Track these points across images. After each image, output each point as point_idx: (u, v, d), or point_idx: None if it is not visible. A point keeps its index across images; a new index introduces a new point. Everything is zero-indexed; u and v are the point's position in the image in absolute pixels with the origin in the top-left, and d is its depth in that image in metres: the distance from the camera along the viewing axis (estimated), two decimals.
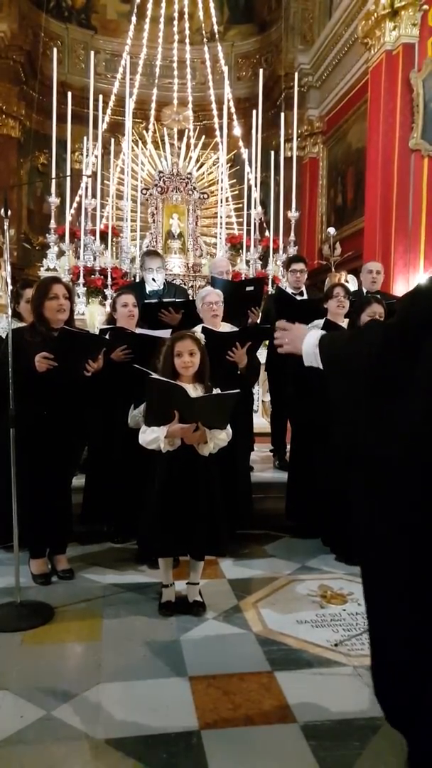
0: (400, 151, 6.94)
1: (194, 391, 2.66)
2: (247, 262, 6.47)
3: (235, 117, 7.80)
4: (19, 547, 2.69)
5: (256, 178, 7.06)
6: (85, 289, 5.81)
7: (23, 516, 2.71)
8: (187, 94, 8.48)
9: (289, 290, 4.65)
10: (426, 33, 6.91)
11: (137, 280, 5.65)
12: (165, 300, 4.11)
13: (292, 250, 6.53)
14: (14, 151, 10.53)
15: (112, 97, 7.85)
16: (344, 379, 1.60)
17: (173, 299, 4.17)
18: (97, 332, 3.60)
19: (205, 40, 9.19)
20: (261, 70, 7.61)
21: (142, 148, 7.37)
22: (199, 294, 3.83)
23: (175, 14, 8.33)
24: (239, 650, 2.40)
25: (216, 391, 2.72)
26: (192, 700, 2.05)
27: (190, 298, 4.90)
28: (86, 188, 6.27)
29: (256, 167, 6.90)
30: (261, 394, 5.65)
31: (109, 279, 5.83)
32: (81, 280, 5.81)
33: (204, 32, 9.10)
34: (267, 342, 4.55)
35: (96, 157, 6.70)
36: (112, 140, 6.97)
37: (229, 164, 7.43)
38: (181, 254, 6.79)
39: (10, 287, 3.32)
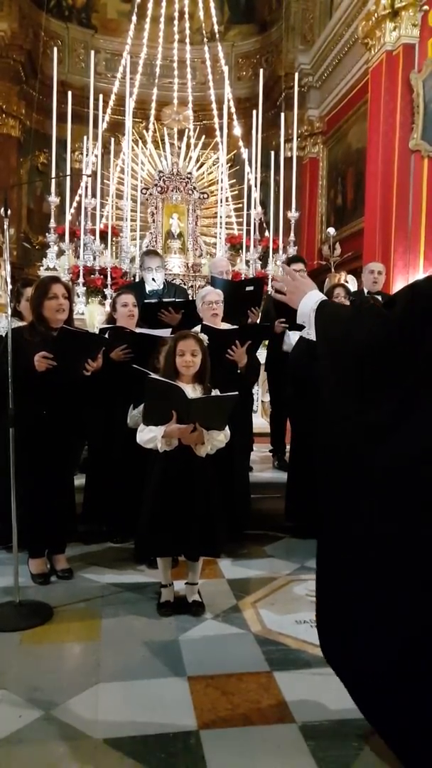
0: (400, 151, 6.94)
1: (193, 391, 2.66)
2: (247, 262, 6.47)
3: (235, 117, 7.81)
4: (18, 547, 2.69)
5: (256, 178, 7.06)
6: (85, 288, 5.81)
7: (23, 516, 2.71)
8: (188, 93, 8.49)
9: None
10: (426, 33, 6.91)
11: (137, 279, 5.65)
12: (165, 300, 4.11)
13: (292, 251, 6.54)
14: (14, 151, 10.52)
15: (113, 97, 7.85)
16: (336, 362, 1.58)
17: (173, 299, 4.17)
18: (96, 332, 3.60)
19: (205, 39, 9.19)
20: (261, 70, 7.61)
21: (142, 148, 7.36)
22: (199, 293, 3.83)
23: (176, 14, 8.33)
24: (238, 650, 2.40)
25: (215, 392, 2.72)
26: (190, 700, 2.05)
27: (190, 298, 4.90)
28: (86, 188, 6.26)
29: (256, 167, 6.90)
30: (260, 394, 5.65)
31: (109, 279, 5.83)
32: (81, 280, 5.81)
33: (204, 32, 9.10)
34: (267, 342, 4.55)
35: (96, 156, 6.69)
36: (112, 140, 6.97)
37: (229, 164, 7.43)
38: (181, 254, 6.79)
39: (9, 287, 3.32)
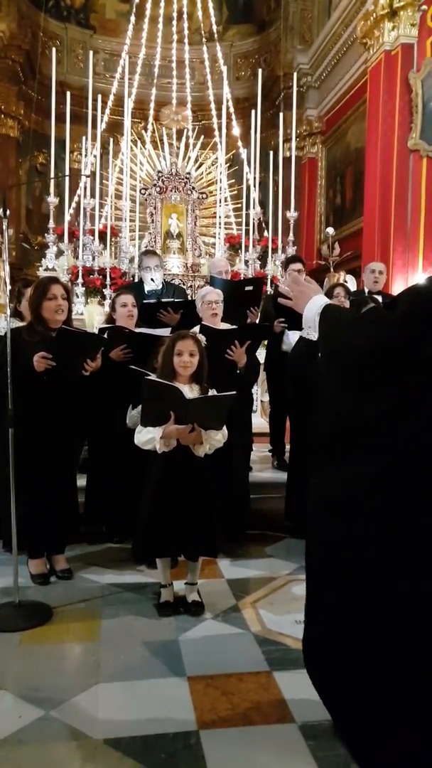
0: (398, 151, 6.95)
1: (190, 391, 2.66)
2: (246, 262, 6.47)
3: (233, 117, 7.80)
4: (18, 548, 2.69)
5: (254, 178, 7.06)
6: (84, 289, 5.81)
7: (22, 516, 2.71)
8: (186, 93, 8.48)
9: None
10: (425, 33, 6.91)
11: (136, 280, 5.65)
12: (164, 300, 4.11)
13: (291, 250, 6.54)
14: (13, 151, 10.52)
15: (111, 97, 7.85)
16: (337, 364, 1.59)
17: (172, 299, 4.17)
18: (96, 332, 3.60)
19: (204, 39, 9.17)
20: (260, 70, 7.60)
21: (140, 148, 7.36)
22: (198, 293, 3.83)
23: (174, 14, 8.32)
24: (238, 650, 2.40)
25: (212, 391, 2.72)
26: (190, 700, 2.05)
27: (189, 298, 4.90)
28: (85, 188, 6.26)
29: (254, 167, 6.89)
30: (260, 393, 5.65)
31: (108, 279, 5.83)
32: (80, 280, 5.81)
33: (203, 32, 9.08)
34: (266, 342, 4.55)
35: (95, 156, 6.69)
36: (111, 140, 6.97)
37: (227, 164, 7.43)
38: (180, 254, 6.79)
39: (8, 287, 3.33)
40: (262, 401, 5.75)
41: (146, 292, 4.50)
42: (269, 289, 5.85)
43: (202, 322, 3.47)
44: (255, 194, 7.01)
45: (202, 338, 2.80)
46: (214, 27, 9.46)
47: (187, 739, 1.85)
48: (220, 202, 6.84)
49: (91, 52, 7.09)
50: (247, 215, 6.84)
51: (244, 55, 12.15)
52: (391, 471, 1.41)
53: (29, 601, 2.74)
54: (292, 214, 6.58)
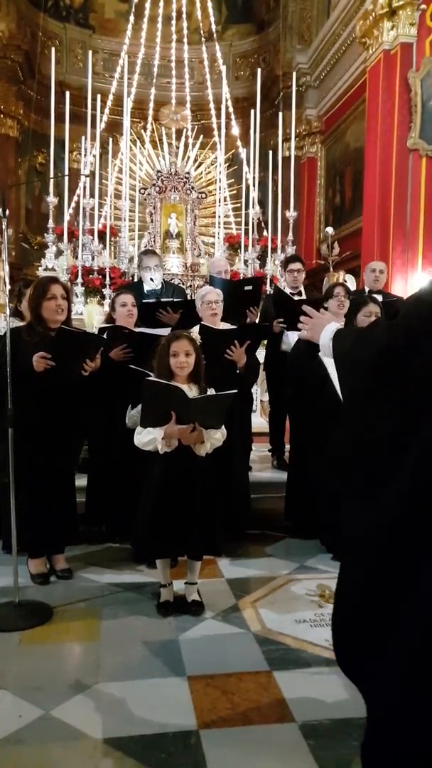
0: (398, 150, 6.94)
1: (190, 391, 2.66)
2: (246, 261, 6.47)
3: (233, 116, 7.79)
4: (18, 548, 2.69)
5: (254, 177, 7.06)
6: (84, 288, 5.81)
7: (22, 516, 2.71)
8: (185, 93, 8.47)
9: (287, 290, 4.65)
10: (424, 32, 6.91)
11: (135, 280, 5.65)
12: (163, 300, 4.11)
13: (291, 250, 6.53)
14: (12, 151, 10.51)
15: (110, 97, 7.83)
16: (351, 378, 1.59)
17: (171, 299, 4.17)
18: (95, 332, 3.60)
19: (203, 39, 9.16)
20: (259, 70, 7.58)
21: (140, 148, 7.36)
22: (198, 293, 3.83)
23: (173, 14, 8.31)
24: (237, 650, 2.40)
25: (210, 390, 2.72)
26: (190, 699, 2.05)
27: (188, 297, 4.90)
28: (84, 188, 6.25)
29: (254, 167, 6.89)
30: (259, 393, 5.65)
31: (108, 279, 5.83)
32: (79, 280, 5.81)
33: (202, 32, 9.07)
34: (266, 341, 4.56)
35: (94, 156, 6.68)
36: (110, 140, 6.97)
37: (227, 164, 7.43)
38: (180, 254, 6.78)
39: (8, 287, 3.33)
40: (261, 401, 5.75)
41: (146, 291, 4.50)
42: (269, 289, 5.84)
43: (202, 322, 3.47)
44: (254, 194, 7.01)
45: (196, 337, 2.80)
46: (213, 27, 9.44)
47: (187, 739, 1.85)
48: (220, 201, 6.84)
49: (90, 52, 7.07)
50: (247, 215, 6.84)
51: (243, 54, 12.13)
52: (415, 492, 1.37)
53: (29, 601, 2.74)
54: (291, 214, 6.58)
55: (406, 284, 6.78)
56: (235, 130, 7.82)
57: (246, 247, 6.49)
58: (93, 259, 6.07)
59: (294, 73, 8.40)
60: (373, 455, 1.45)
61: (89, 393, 3.11)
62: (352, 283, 6.15)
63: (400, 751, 1.34)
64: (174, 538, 2.67)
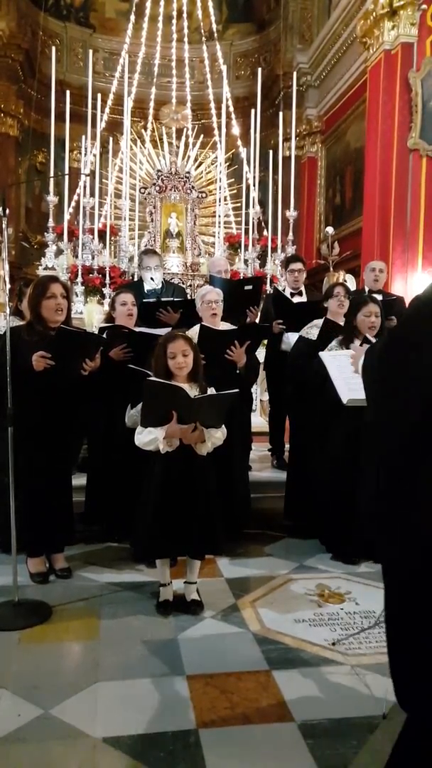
0: (398, 150, 6.94)
1: (191, 390, 2.66)
2: (246, 261, 6.47)
3: (233, 116, 7.78)
4: (17, 547, 2.69)
5: (254, 177, 7.06)
6: (83, 288, 5.81)
7: (21, 515, 2.71)
8: (186, 93, 8.46)
9: (288, 290, 4.65)
10: (425, 32, 6.90)
11: (135, 279, 5.65)
12: (163, 299, 4.11)
13: (291, 250, 6.53)
14: (12, 150, 10.50)
15: (111, 96, 7.82)
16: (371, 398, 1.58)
17: (172, 299, 4.17)
18: (95, 331, 3.60)
19: (203, 38, 9.16)
20: (259, 69, 7.59)
21: (140, 147, 7.35)
22: (198, 292, 3.83)
23: (174, 13, 8.31)
24: (237, 649, 2.40)
25: (210, 389, 2.72)
26: (190, 698, 2.05)
27: (189, 297, 4.90)
28: (84, 187, 6.25)
29: (254, 166, 6.89)
30: (259, 393, 5.66)
31: (107, 278, 5.83)
32: (79, 279, 5.81)
33: (203, 31, 9.06)
34: (266, 341, 4.56)
35: (94, 155, 6.68)
36: (111, 139, 6.96)
37: (227, 163, 7.42)
38: (180, 253, 6.78)
39: (8, 286, 3.32)
40: (261, 400, 5.75)
41: (146, 291, 4.50)
42: (269, 289, 5.84)
43: (202, 323, 3.47)
44: (254, 193, 7.00)
45: (193, 334, 2.80)
46: (214, 26, 9.44)
47: (186, 738, 1.85)
48: (220, 201, 6.84)
49: (90, 51, 7.07)
50: (247, 214, 6.84)
51: (243, 54, 12.13)
52: None
53: (28, 600, 2.74)
54: (291, 214, 6.58)
55: (406, 284, 6.78)
56: (236, 130, 7.81)
57: (246, 246, 6.49)
58: (93, 258, 6.07)
59: (294, 73, 8.39)
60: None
61: (89, 392, 3.11)
62: (352, 283, 6.15)
63: None
64: (174, 537, 2.67)
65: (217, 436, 2.69)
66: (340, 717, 1.96)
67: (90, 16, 11.94)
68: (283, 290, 4.67)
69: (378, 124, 7.10)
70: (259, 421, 5.36)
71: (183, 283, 6.19)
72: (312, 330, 3.77)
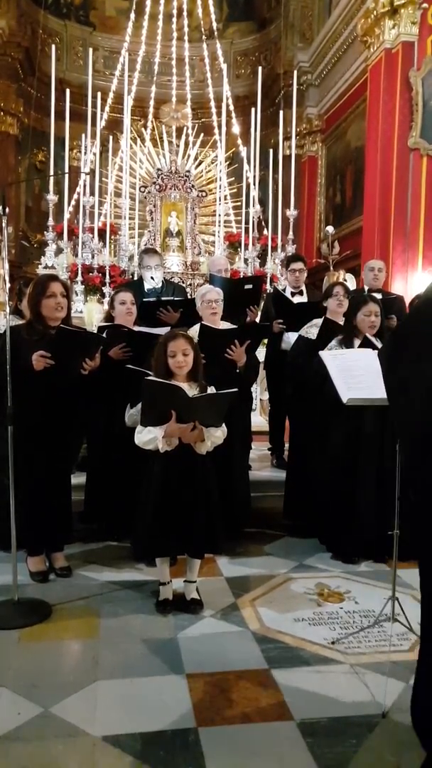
0: (399, 149, 6.94)
1: (190, 389, 2.66)
2: (246, 260, 6.47)
3: (233, 115, 7.78)
4: (17, 545, 2.69)
5: (254, 176, 7.05)
6: (83, 286, 5.81)
7: (21, 514, 2.71)
8: (186, 91, 8.45)
9: (289, 290, 4.65)
10: (425, 31, 6.90)
11: (135, 278, 5.64)
12: (164, 299, 4.11)
13: (291, 249, 6.53)
14: (12, 149, 10.49)
15: (111, 95, 7.81)
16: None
17: (172, 298, 4.17)
18: (95, 330, 3.60)
19: (204, 37, 9.15)
20: (260, 68, 7.58)
21: (140, 146, 7.35)
22: (198, 292, 3.83)
23: (174, 11, 8.30)
24: (236, 648, 2.40)
25: (210, 389, 2.72)
26: (189, 697, 2.05)
27: (189, 296, 4.90)
28: (84, 186, 6.25)
29: (254, 165, 6.89)
30: (259, 392, 5.66)
31: (107, 277, 5.83)
32: (79, 278, 5.81)
33: (203, 29, 9.06)
34: (266, 340, 4.56)
35: (94, 154, 6.67)
36: (111, 138, 6.95)
37: (227, 162, 7.41)
38: (180, 252, 6.78)
39: (8, 285, 3.32)
40: (261, 400, 5.75)
41: (146, 290, 4.50)
42: (269, 288, 5.84)
43: (202, 322, 3.47)
44: (255, 192, 7.00)
45: (194, 334, 2.80)
46: (214, 24, 9.43)
47: (186, 737, 1.85)
48: (220, 200, 6.83)
49: (90, 50, 7.07)
50: (247, 213, 6.84)
51: (244, 52, 12.12)
52: None
53: (28, 599, 2.74)
54: (291, 213, 6.58)
55: (407, 284, 6.78)
56: (236, 129, 7.81)
57: (246, 245, 6.49)
58: (93, 257, 6.07)
59: (295, 72, 8.37)
60: None
61: (89, 392, 3.11)
62: (352, 282, 6.15)
63: None
64: (174, 536, 2.67)
65: (217, 435, 2.69)
66: (339, 716, 1.96)
67: (90, 15, 11.93)
68: (284, 290, 4.66)
69: (378, 123, 7.09)
70: (258, 420, 5.36)
71: (183, 282, 6.19)
72: (311, 329, 3.77)
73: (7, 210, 2.68)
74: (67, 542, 3.22)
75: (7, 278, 3.16)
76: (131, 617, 2.65)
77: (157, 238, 6.85)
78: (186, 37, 9.02)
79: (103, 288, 5.81)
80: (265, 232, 6.92)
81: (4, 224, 2.64)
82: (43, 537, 3.06)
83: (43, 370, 2.82)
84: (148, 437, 2.60)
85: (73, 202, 6.72)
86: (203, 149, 7.69)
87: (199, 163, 7.56)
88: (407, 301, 4.55)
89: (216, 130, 7.31)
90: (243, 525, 3.63)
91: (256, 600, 2.86)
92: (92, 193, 6.32)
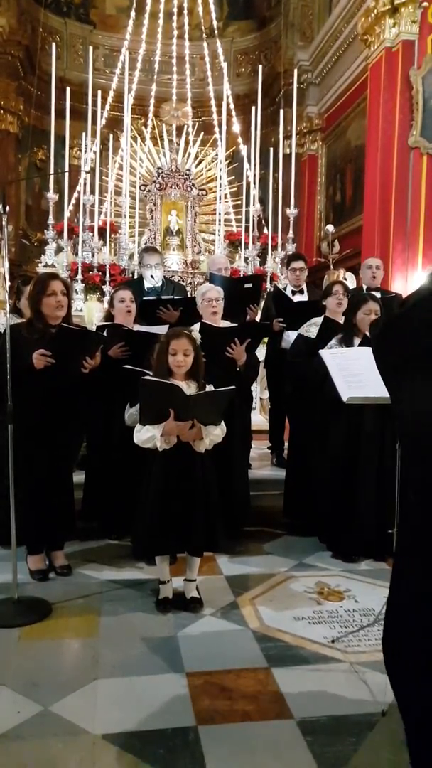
0: (399, 148, 6.93)
1: (188, 388, 2.67)
2: (246, 259, 6.47)
3: (234, 113, 7.77)
4: (17, 544, 2.69)
5: (254, 175, 7.05)
6: (83, 285, 5.81)
7: (21, 512, 2.71)
8: (186, 90, 8.44)
9: (290, 288, 4.65)
10: (426, 30, 6.88)
11: (135, 277, 5.64)
12: (164, 297, 4.11)
13: (291, 248, 6.53)
14: (12, 147, 10.48)
15: (111, 93, 7.80)
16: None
17: (172, 296, 4.17)
18: (94, 329, 3.60)
19: (204, 36, 9.14)
20: (260, 67, 7.58)
21: (140, 144, 7.34)
22: (198, 290, 3.83)
23: (174, 10, 8.28)
24: (236, 646, 2.41)
25: (209, 387, 2.72)
26: (189, 695, 2.06)
27: (189, 295, 4.90)
28: (84, 184, 6.25)
29: (254, 164, 6.88)
30: (259, 391, 5.66)
31: (107, 275, 5.83)
32: (79, 277, 5.80)
33: (203, 28, 9.04)
34: (266, 339, 4.55)
35: (94, 153, 6.67)
36: (111, 136, 6.95)
37: (227, 161, 7.41)
38: (180, 251, 6.78)
39: (8, 283, 3.32)
40: (261, 398, 5.75)
41: (146, 289, 4.49)
42: (269, 287, 5.84)
43: (202, 320, 3.47)
44: (255, 191, 7.00)
45: (197, 336, 2.80)
46: (215, 23, 9.41)
47: (186, 735, 1.85)
48: (220, 198, 6.83)
49: (90, 48, 7.06)
50: (247, 212, 6.84)
51: (244, 51, 12.10)
52: None
53: (28, 597, 2.74)
54: (291, 212, 6.57)
55: (407, 283, 6.78)
56: (236, 127, 7.80)
57: (246, 244, 6.49)
58: (93, 255, 6.07)
59: (295, 70, 8.35)
60: None
61: (89, 390, 3.11)
62: (351, 281, 6.15)
63: None
64: (174, 535, 2.67)
65: (216, 433, 2.69)
66: (339, 714, 1.96)
67: (90, 13, 11.90)
68: (284, 288, 4.66)
69: (379, 122, 7.08)
70: (258, 419, 5.36)
71: (183, 281, 6.19)
72: (311, 328, 3.77)
73: (7, 208, 2.68)
74: (69, 539, 3.23)
75: (7, 277, 3.16)
76: (131, 616, 2.65)
77: (157, 237, 6.84)
78: (186, 36, 9.00)
79: (103, 287, 5.81)
80: (265, 230, 6.92)
81: (4, 222, 2.64)
82: (43, 535, 3.07)
83: (44, 369, 2.82)
84: (147, 436, 2.61)
85: (73, 201, 6.72)
86: (203, 148, 7.69)
87: (200, 162, 7.55)
88: None
89: (216, 129, 7.31)
90: (243, 524, 3.63)
91: (256, 598, 2.86)
92: (92, 192, 6.32)
